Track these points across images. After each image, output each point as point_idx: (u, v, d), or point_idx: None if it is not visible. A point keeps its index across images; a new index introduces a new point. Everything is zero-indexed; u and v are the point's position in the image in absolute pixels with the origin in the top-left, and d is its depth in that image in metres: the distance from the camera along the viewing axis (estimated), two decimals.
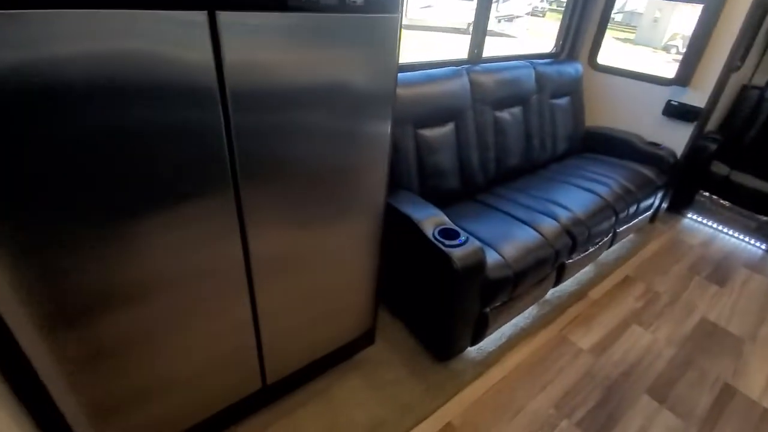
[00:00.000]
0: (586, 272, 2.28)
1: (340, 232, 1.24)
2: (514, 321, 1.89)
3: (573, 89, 2.64)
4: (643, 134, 2.69)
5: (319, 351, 1.44)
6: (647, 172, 2.43)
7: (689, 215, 3.01)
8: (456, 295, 1.45)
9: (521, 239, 1.70)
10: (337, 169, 1.11)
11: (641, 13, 12.41)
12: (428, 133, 1.90)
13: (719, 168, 2.84)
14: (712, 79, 2.37)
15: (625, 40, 12.27)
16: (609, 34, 2.82)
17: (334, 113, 1.03)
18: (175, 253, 0.92)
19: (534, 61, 2.47)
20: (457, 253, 1.41)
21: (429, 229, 1.50)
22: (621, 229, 2.27)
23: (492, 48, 2.43)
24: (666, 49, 10.91)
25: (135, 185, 0.80)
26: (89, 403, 0.95)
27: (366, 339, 1.60)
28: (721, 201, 3.02)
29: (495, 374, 1.67)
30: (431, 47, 8.71)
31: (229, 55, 0.80)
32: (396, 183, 1.79)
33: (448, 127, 1.99)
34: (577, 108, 2.69)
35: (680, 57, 2.46)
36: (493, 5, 2.22)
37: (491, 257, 1.56)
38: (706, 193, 3.07)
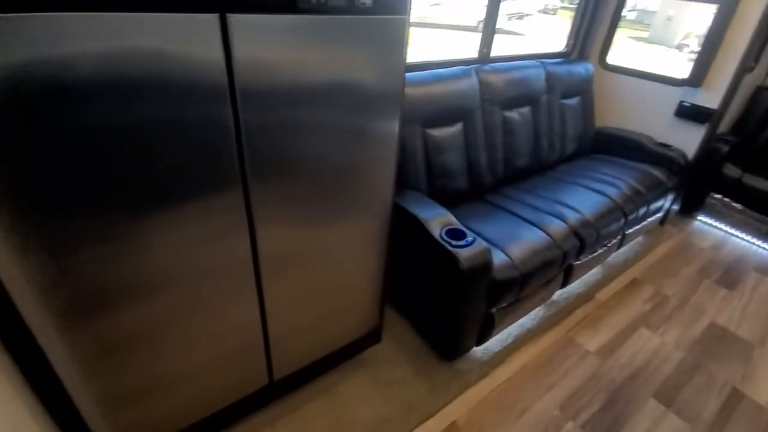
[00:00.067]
0: (593, 274, 2.26)
1: (347, 230, 1.25)
2: (520, 322, 1.89)
3: (583, 89, 2.62)
4: (654, 135, 2.66)
5: (326, 348, 1.46)
6: (658, 173, 2.41)
7: (700, 218, 2.97)
8: (462, 295, 1.46)
9: (529, 240, 1.70)
10: (345, 167, 1.12)
11: (654, 12, 12.24)
12: (436, 132, 1.90)
13: (731, 170, 2.80)
14: (725, 80, 2.33)
15: (638, 39, 12.11)
16: (622, 33, 2.79)
17: (342, 112, 1.04)
18: (186, 249, 0.94)
19: (544, 60, 2.46)
20: (464, 254, 1.41)
21: (436, 229, 1.51)
22: (630, 231, 2.25)
23: (502, 46, 2.42)
24: (679, 48, 10.75)
25: (147, 182, 0.81)
26: (103, 397, 0.98)
27: (372, 337, 1.61)
28: (733, 204, 2.98)
29: (500, 374, 1.67)
30: (441, 45, 8.68)
31: (238, 54, 0.81)
32: (404, 182, 1.79)
33: (457, 127, 1.99)
34: (587, 108, 2.67)
35: (694, 56, 2.43)
36: (504, 3, 2.21)
37: (498, 258, 1.56)
38: (718, 196, 3.03)
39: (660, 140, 2.63)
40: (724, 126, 2.82)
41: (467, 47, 8.06)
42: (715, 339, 1.95)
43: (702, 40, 2.38)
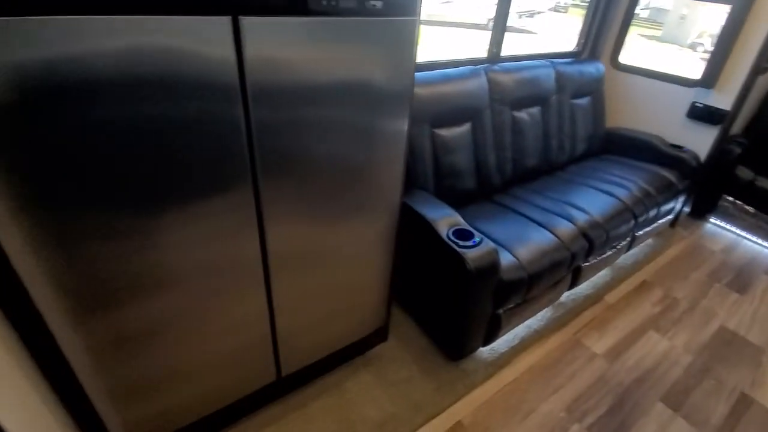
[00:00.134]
0: (602, 276, 2.25)
1: (355, 229, 1.25)
2: (527, 323, 1.89)
3: (594, 89, 2.60)
4: (666, 136, 2.64)
5: (333, 346, 1.47)
6: (669, 175, 2.39)
7: (712, 220, 2.94)
8: (469, 296, 1.46)
9: (536, 241, 1.70)
10: (353, 167, 1.13)
11: (668, 10, 12.06)
12: (445, 132, 1.90)
13: (744, 173, 2.76)
14: (738, 81, 2.30)
15: (651, 38, 11.95)
16: (634, 31, 2.77)
17: (352, 112, 1.05)
18: (197, 246, 0.95)
19: (554, 60, 2.44)
20: (471, 254, 1.41)
21: (443, 229, 1.51)
22: (640, 233, 2.23)
23: (512, 44, 2.41)
24: (692, 47, 10.59)
25: (160, 180, 0.83)
26: (114, 388, 1.00)
27: (379, 336, 1.62)
28: (745, 206, 2.94)
29: (506, 375, 1.67)
30: (450, 43, 8.64)
31: (250, 55, 0.82)
32: (412, 182, 1.79)
33: (465, 127, 1.98)
34: (598, 108, 2.65)
35: (707, 56, 2.40)
36: (515, 0, 2.20)
37: (505, 259, 1.56)
38: (730, 198, 2.99)
39: (672, 141, 2.60)
40: (736, 127, 2.78)
41: (477, 45, 8.03)
42: (725, 343, 1.93)
43: (715, 40, 2.34)
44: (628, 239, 2.17)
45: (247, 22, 0.79)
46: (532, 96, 2.25)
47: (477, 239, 1.47)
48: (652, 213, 2.19)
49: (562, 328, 1.92)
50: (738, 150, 2.65)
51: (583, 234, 1.82)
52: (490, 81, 2.05)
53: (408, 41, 1.05)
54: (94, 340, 0.91)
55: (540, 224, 1.81)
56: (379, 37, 0.99)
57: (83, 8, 0.63)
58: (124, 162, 0.77)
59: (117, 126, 0.73)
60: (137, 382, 1.04)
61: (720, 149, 2.54)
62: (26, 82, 0.63)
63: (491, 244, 1.47)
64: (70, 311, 0.84)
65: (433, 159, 1.87)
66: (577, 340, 1.87)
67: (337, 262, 1.27)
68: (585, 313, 2.02)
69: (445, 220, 1.55)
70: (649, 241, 2.59)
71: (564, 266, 1.72)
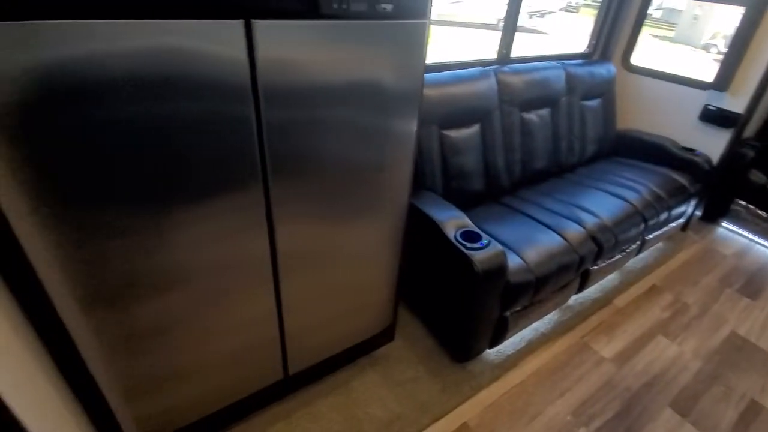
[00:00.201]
0: (611, 279, 2.23)
1: (363, 229, 1.26)
2: (534, 326, 1.88)
3: (605, 91, 2.58)
4: (678, 139, 2.61)
5: (340, 345, 1.48)
6: (680, 178, 2.36)
7: (724, 224, 2.90)
8: (476, 298, 1.46)
9: (545, 244, 1.69)
10: (362, 167, 1.14)
11: (681, 11, 11.90)
12: (453, 134, 1.90)
13: (757, 176, 2.72)
14: (752, 84, 2.27)
15: (664, 38, 11.81)
16: (647, 32, 2.74)
17: (361, 113, 1.05)
18: (208, 244, 0.97)
19: (564, 62, 2.43)
20: (479, 256, 1.41)
21: (451, 231, 1.51)
22: (650, 236, 2.21)
23: (523, 45, 2.40)
24: (706, 48, 10.44)
25: (174, 178, 0.85)
26: (125, 382, 1.02)
27: (386, 336, 1.63)
28: (758, 211, 2.90)
29: (513, 378, 1.67)
30: (460, 43, 8.62)
31: (262, 57, 0.83)
32: (420, 183, 1.80)
33: (474, 129, 1.98)
34: (609, 110, 2.63)
35: (720, 57, 2.37)
36: (525, 0, 2.19)
37: (513, 261, 1.56)
38: (743, 202, 2.95)
39: (684, 144, 2.57)
40: (749, 131, 2.74)
41: (487, 46, 8.00)
42: (735, 349, 1.90)
43: (729, 42, 2.32)
44: (638, 243, 2.15)
45: (260, 25, 0.80)
46: (542, 97, 2.25)
47: (485, 241, 1.47)
48: (663, 217, 2.17)
49: (570, 332, 1.91)
50: (751, 154, 2.61)
51: (592, 237, 1.81)
52: (499, 82, 2.05)
53: (418, 44, 1.05)
54: (107, 335, 0.93)
55: (548, 227, 1.81)
56: (389, 39, 0.99)
57: (105, 12, 0.65)
58: (139, 160, 0.79)
59: (132, 125, 0.75)
60: (148, 378, 1.06)
61: (733, 153, 2.51)
62: (48, 82, 0.65)
63: (499, 247, 1.47)
64: (84, 306, 0.86)
65: (441, 160, 1.87)
66: (585, 343, 1.86)
67: (345, 262, 1.28)
68: (593, 317, 2.01)
69: (452, 221, 1.56)
70: (660, 244, 2.57)
71: (572, 269, 1.72)
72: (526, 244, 1.67)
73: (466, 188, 1.97)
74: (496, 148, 2.07)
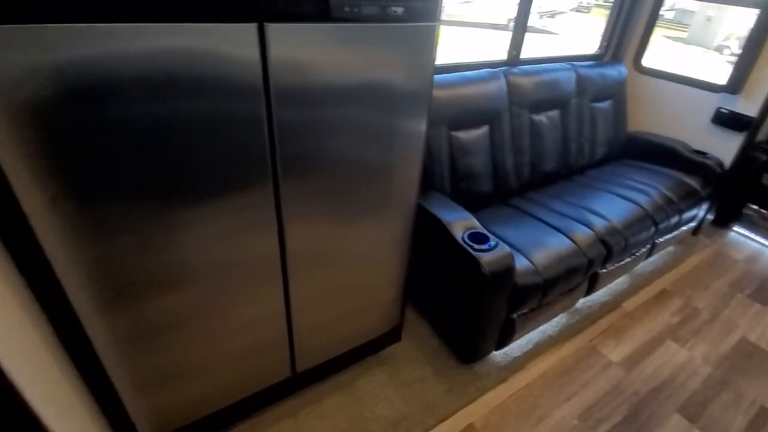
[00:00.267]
0: (620, 283, 2.22)
1: (371, 229, 1.27)
2: (541, 328, 1.88)
3: (615, 92, 2.56)
4: (689, 142, 2.58)
5: (347, 344, 1.49)
6: (692, 181, 2.34)
7: (735, 229, 2.86)
8: (483, 299, 1.46)
9: (553, 246, 1.69)
10: (371, 168, 1.15)
11: (693, 12, 11.75)
12: (462, 135, 1.90)
13: None
14: (765, 87, 2.24)
15: (676, 39, 11.67)
16: (659, 33, 2.72)
17: (371, 114, 1.06)
18: (220, 242, 0.98)
19: (575, 63, 2.41)
20: (486, 258, 1.41)
21: (458, 232, 1.51)
22: (660, 240, 2.20)
23: (533, 45, 2.39)
24: (719, 50, 10.29)
25: (187, 176, 0.86)
26: (135, 377, 1.04)
27: (392, 336, 1.63)
28: None
29: (519, 380, 1.67)
30: (469, 43, 8.59)
31: (274, 58, 0.85)
32: (428, 184, 1.80)
33: (483, 130, 1.98)
34: (619, 112, 2.61)
35: (734, 59, 2.34)
36: (536, 0, 2.18)
37: (521, 263, 1.56)
38: (755, 207, 2.90)
39: (695, 147, 2.54)
40: (762, 134, 2.70)
41: (496, 46, 7.96)
42: (746, 355, 1.88)
43: (742, 44, 2.29)
44: (648, 246, 2.14)
45: (272, 28, 0.81)
46: (552, 99, 2.24)
47: (492, 243, 1.47)
48: (674, 220, 2.15)
49: (578, 335, 1.90)
50: (764, 158, 2.57)
51: (601, 240, 1.80)
52: (509, 84, 2.04)
53: (428, 46, 1.06)
54: (119, 330, 0.95)
55: (557, 229, 1.80)
56: (400, 41, 1.00)
57: (126, 16, 0.67)
58: (153, 159, 0.80)
59: (148, 124, 0.77)
60: (159, 373, 1.07)
61: (745, 156, 2.48)
62: (68, 82, 0.67)
63: (506, 248, 1.47)
64: (97, 301, 0.88)
65: (449, 161, 1.87)
66: (593, 347, 1.85)
67: (353, 261, 1.29)
68: (601, 321, 2.00)
69: (460, 222, 1.56)
70: (670, 248, 2.54)
71: (581, 272, 1.71)
72: (534, 246, 1.67)
73: (474, 189, 1.97)
74: (504, 150, 2.07)
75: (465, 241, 1.47)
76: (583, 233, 1.78)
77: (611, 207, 2.00)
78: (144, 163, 0.80)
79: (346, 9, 0.88)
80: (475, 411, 1.53)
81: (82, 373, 0.98)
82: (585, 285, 1.88)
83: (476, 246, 1.45)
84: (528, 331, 1.76)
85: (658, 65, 2.69)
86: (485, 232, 1.52)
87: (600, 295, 2.11)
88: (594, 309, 2.04)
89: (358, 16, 0.90)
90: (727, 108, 2.40)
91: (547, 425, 1.51)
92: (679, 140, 2.60)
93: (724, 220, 2.85)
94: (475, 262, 1.41)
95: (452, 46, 7.95)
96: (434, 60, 1.10)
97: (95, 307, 0.88)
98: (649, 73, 2.71)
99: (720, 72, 2.56)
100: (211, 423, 1.28)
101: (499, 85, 2.01)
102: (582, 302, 2.05)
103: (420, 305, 1.92)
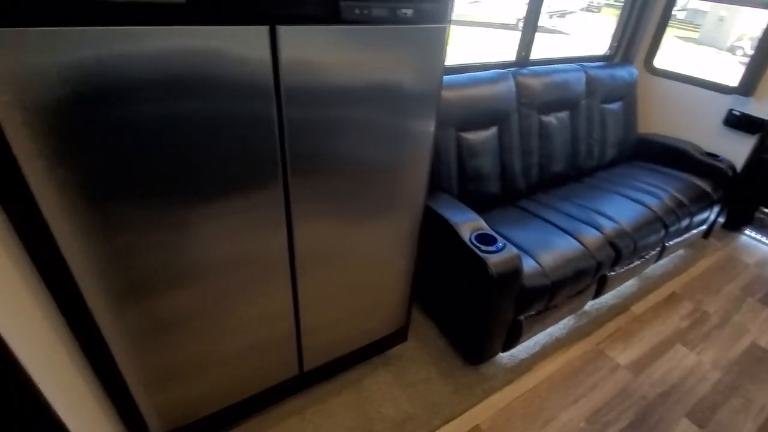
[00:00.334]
0: (629, 286, 2.20)
1: (379, 229, 1.28)
2: (549, 331, 1.87)
3: (626, 93, 2.54)
4: (700, 144, 2.55)
5: (354, 344, 1.50)
6: (703, 184, 2.31)
7: (747, 232, 2.83)
8: (490, 301, 1.46)
9: (561, 248, 1.68)
10: (379, 168, 1.15)
11: (706, 12, 11.59)
12: (471, 136, 1.90)
13: None
14: None
15: (688, 39, 11.53)
16: (670, 33, 2.68)
17: (380, 115, 1.07)
18: (228, 240, 0.99)
19: (585, 64, 2.40)
20: (493, 259, 1.41)
21: (466, 233, 1.51)
22: (671, 243, 2.18)
23: (543, 45, 2.38)
24: (731, 50, 10.14)
25: (199, 175, 0.87)
26: (146, 372, 1.06)
27: (399, 336, 1.64)
28: None
29: (526, 382, 1.66)
30: (477, 43, 8.56)
31: (285, 60, 0.86)
32: (436, 185, 1.80)
33: (491, 131, 1.98)
34: (630, 114, 2.59)
35: (746, 60, 2.31)
36: (546, 0, 2.17)
37: (528, 265, 1.55)
38: (767, 210, 2.86)
39: (707, 150, 2.52)
40: None
41: (505, 46, 7.93)
42: (756, 361, 1.86)
43: (755, 44, 2.26)
44: (658, 249, 2.12)
45: (284, 30, 0.82)
46: (561, 100, 2.22)
47: (500, 244, 1.47)
48: (684, 223, 2.13)
49: (585, 338, 1.89)
50: None
51: (610, 243, 1.79)
52: (518, 85, 2.04)
53: (437, 47, 1.06)
54: (130, 326, 0.96)
55: (565, 231, 1.79)
56: (409, 43, 1.00)
57: (142, 19, 0.69)
58: (165, 158, 0.82)
59: (161, 123, 0.78)
60: (168, 369, 1.09)
61: (757, 159, 2.44)
62: (85, 83, 0.68)
63: (514, 250, 1.47)
64: (109, 298, 0.90)
65: (457, 162, 1.87)
66: (601, 350, 1.84)
67: (361, 261, 1.30)
68: (609, 324, 1.98)
69: (468, 224, 1.56)
70: (680, 251, 2.52)
71: (589, 275, 1.70)
72: (542, 248, 1.66)
73: (482, 191, 1.97)
74: (513, 151, 2.06)
75: (472, 243, 1.47)
76: (591, 235, 1.77)
77: (620, 209, 1.99)
78: (157, 162, 0.81)
79: (356, 11, 0.88)
80: (481, 412, 1.53)
81: (94, 367, 1.00)
82: (593, 287, 1.87)
83: (484, 247, 1.45)
84: (535, 333, 1.75)
85: (670, 66, 2.66)
86: (493, 233, 1.52)
87: (608, 297, 2.10)
88: (602, 312, 2.03)
89: (368, 18, 0.90)
90: (739, 110, 2.37)
91: (553, 428, 1.51)
92: (690, 142, 2.57)
93: (735, 223, 2.81)
94: (483, 263, 1.41)
95: (461, 46, 7.93)
96: (444, 61, 1.10)
97: (108, 303, 0.90)
98: (661, 74, 2.68)
99: (732, 73, 2.53)
100: (220, 419, 1.30)
101: (508, 86, 2.00)
102: (590, 305, 2.03)
103: (426, 306, 1.92)
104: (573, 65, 2.34)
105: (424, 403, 1.53)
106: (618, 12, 2.73)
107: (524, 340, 1.72)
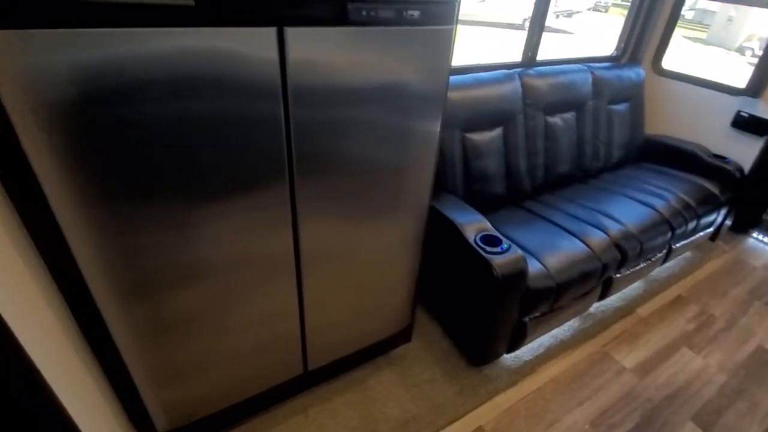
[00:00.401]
0: (635, 288, 2.19)
1: (384, 230, 1.28)
2: (553, 332, 1.86)
3: (633, 95, 2.53)
4: (708, 146, 2.53)
5: (358, 343, 1.50)
6: (710, 186, 2.29)
7: (754, 235, 2.80)
8: (495, 302, 1.46)
9: (566, 250, 1.67)
10: (385, 168, 1.16)
11: (714, 12, 11.48)
12: (476, 137, 1.90)
13: None
14: None
15: (695, 39, 11.44)
16: (678, 33, 2.65)
17: (386, 115, 1.07)
18: (235, 239, 1.00)
19: (592, 65, 2.39)
20: (498, 261, 1.41)
21: (471, 234, 1.51)
22: (677, 245, 2.16)
23: (549, 45, 2.37)
24: (740, 51, 10.04)
25: (206, 174, 0.88)
26: (153, 369, 1.07)
27: (403, 336, 1.64)
28: None
29: (530, 384, 1.66)
30: (482, 43, 8.54)
31: (292, 60, 0.86)
32: (441, 186, 1.80)
33: (497, 132, 1.98)
34: (637, 115, 2.57)
35: (755, 60, 2.29)
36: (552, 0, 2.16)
37: (533, 267, 1.55)
38: None
39: (714, 151, 2.50)
40: None
41: (511, 45, 7.90)
42: (762, 364, 1.84)
43: (764, 44, 2.23)
44: (664, 251, 2.11)
45: (291, 32, 0.83)
46: (567, 101, 2.22)
47: (505, 246, 1.47)
48: (691, 225, 2.11)
49: (590, 340, 1.88)
50: None
51: (616, 245, 1.78)
52: (524, 85, 2.03)
53: (444, 49, 1.07)
54: (138, 323, 0.97)
55: (571, 233, 1.79)
56: (416, 44, 1.01)
57: (152, 21, 0.69)
58: (174, 157, 0.82)
59: (171, 123, 0.79)
60: (174, 367, 1.10)
61: (765, 161, 2.42)
62: (95, 84, 0.69)
63: (519, 252, 1.47)
64: (117, 295, 0.91)
65: (462, 163, 1.87)
66: (606, 352, 1.83)
67: (366, 261, 1.30)
68: (615, 326, 1.97)
69: (473, 225, 1.56)
70: (687, 254, 2.50)
71: (594, 277, 1.69)
72: (548, 249, 1.66)
73: (487, 192, 1.97)
74: (518, 152, 2.05)
75: (477, 244, 1.47)
76: (597, 237, 1.77)
77: (627, 211, 1.98)
78: (165, 162, 0.82)
79: (363, 13, 0.89)
80: (484, 413, 1.53)
81: (102, 365, 1.01)
82: (599, 289, 1.86)
83: (488, 248, 1.45)
84: (540, 335, 1.75)
85: (677, 66, 2.65)
86: (498, 234, 1.52)
87: (614, 300, 2.09)
88: (607, 314, 2.02)
89: (375, 19, 0.91)
90: (747, 111, 2.36)
91: (558, 430, 1.50)
92: (698, 144, 2.55)
93: (743, 225, 2.79)
94: (488, 264, 1.40)
95: (466, 46, 7.91)
96: (450, 63, 1.10)
97: (116, 301, 0.91)
98: (668, 75, 2.66)
99: (741, 73, 2.51)
100: (225, 417, 1.31)
101: (513, 87, 2.00)
102: (595, 307, 2.03)
103: (431, 306, 1.92)
104: (579, 66, 2.33)
105: (428, 403, 1.53)
106: (625, 12, 2.71)
107: (529, 342, 1.72)
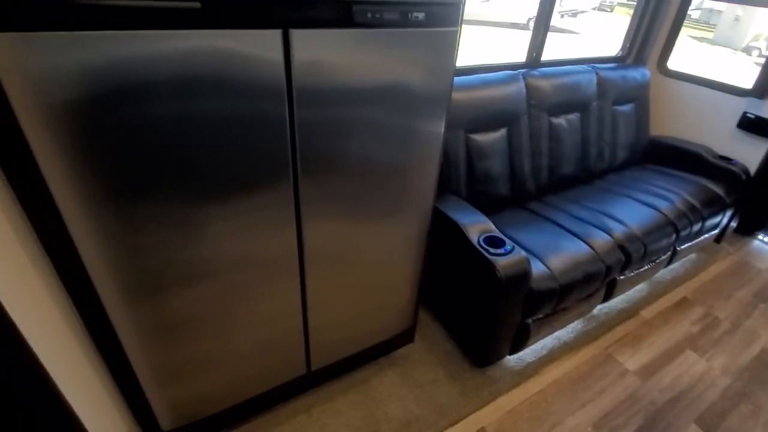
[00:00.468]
0: (639, 290, 2.18)
1: (388, 230, 1.28)
2: (556, 334, 1.86)
3: (638, 95, 2.52)
4: (714, 147, 2.52)
5: (361, 344, 1.51)
6: (715, 188, 2.28)
7: (760, 237, 2.78)
8: (498, 304, 1.46)
9: (570, 252, 1.67)
10: (389, 169, 1.16)
11: (721, 11, 11.40)
12: (480, 137, 1.89)
13: None
14: None
15: (702, 39, 11.36)
16: (684, 32, 2.63)
17: (390, 116, 1.07)
18: (239, 239, 1.01)
19: (596, 65, 2.38)
20: (502, 262, 1.41)
21: (474, 235, 1.51)
22: (682, 247, 2.15)
23: (553, 45, 2.36)
24: (747, 51, 9.96)
25: (211, 174, 0.89)
26: (157, 368, 1.07)
27: (406, 337, 1.64)
28: None
29: (533, 385, 1.66)
30: (486, 43, 8.52)
31: (297, 62, 0.86)
32: (444, 187, 1.80)
33: (501, 133, 1.97)
34: (642, 116, 2.56)
35: (762, 60, 2.27)
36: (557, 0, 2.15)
37: (537, 268, 1.55)
38: None
39: (720, 153, 2.48)
40: None
41: (516, 45, 7.87)
42: (766, 367, 1.83)
43: None
44: (669, 253, 2.10)
45: (296, 34, 0.83)
46: (572, 102, 2.21)
47: (508, 247, 1.47)
48: (696, 227, 2.10)
49: (593, 342, 1.88)
50: None
51: (620, 246, 1.77)
52: (528, 86, 2.03)
53: (448, 50, 1.06)
54: (142, 322, 0.98)
55: (574, 234, 1.78)
56: (421, 46, 1.01)
57: (159, 23, 0.70)
58: (180, 157, 0.83)
59: (177, 124, 0.79)
60: (178, 366, 1.11)
61: None
62: (103, 85, 0.70)
63: (522, 253, 1.46)
64: (122, 294, 0.91)
65: (466, 164, 1.87)
66: (609, 354, 1.83)
67: (369, 261, 1.31)
68: (618, 328, 1.97)
69: (476, 226, 1.56)
70: (692, 256, 2.49)
71: (598, 279, 1.69)
72: (551, 251, 1.66)
73: (491, 192, 1.96)
74: (522, 153, 2.05)
75: (481, 245, 1.47)
76: (601, 239, 1.76)
77: (631, 213, 1.97)
78: (171, 162, 0.82)
79: (368, 15, 0.89)
80: (487, 415, 1.53)
81: (108, 364, 1.02)
82: (602, 291, 1.85)
83: (492, 250, 1.45)
84: (543, 337, 1.75)
85: (683, 67, 2.63)
86: (501, 236, 1.52)
87: (617, 302, 2.08)
88: (611, 316, 2.01)
89: (380, 21, 0.91)
90: (753, 113, 2.34)
91: None
92: (704, 145, 2.54)
93: (748, 227, 2.77)
94: (491, 266, 1.40)
95: (469, 46, 7.89)
96: (454, 64, 1.10)
97: (121, 300, 0.92)
98: (674, 75, 2.65)
99: (747, 74, 2.49)
100: (228, 416, 1.32)
101: (517, 88, 1.99)
102: (599, 309, 2.02)
103: (434, 307, 1.92)
104: (584, 66, 2.32)
105: (430, 404, 1.53)
106: (631, 11, 2.70)
107: (532, 344, 1.72)
